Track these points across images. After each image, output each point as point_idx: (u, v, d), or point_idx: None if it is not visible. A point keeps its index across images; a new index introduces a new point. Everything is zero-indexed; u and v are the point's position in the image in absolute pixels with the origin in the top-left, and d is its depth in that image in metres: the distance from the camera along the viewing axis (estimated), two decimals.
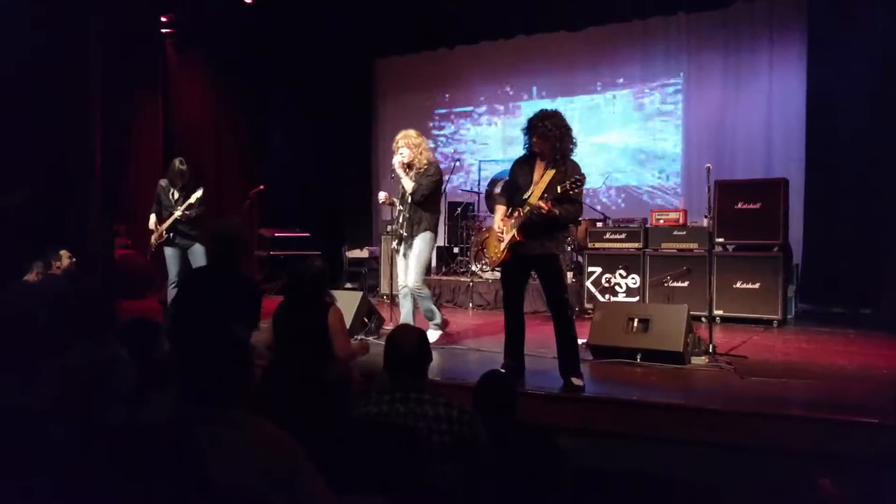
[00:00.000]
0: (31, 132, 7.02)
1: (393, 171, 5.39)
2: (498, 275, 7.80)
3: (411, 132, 5.39)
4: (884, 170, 6.90)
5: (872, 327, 6.31)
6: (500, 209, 4.34)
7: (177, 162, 6.28)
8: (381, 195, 5.68)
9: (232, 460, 1.60)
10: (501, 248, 4.29)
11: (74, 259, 5.81)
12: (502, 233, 4.26)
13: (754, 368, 4.61)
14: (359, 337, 5.64)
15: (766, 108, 8.36)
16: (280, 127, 10.54)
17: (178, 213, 6.07)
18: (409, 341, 2.56)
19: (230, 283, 3.61)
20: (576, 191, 4.07)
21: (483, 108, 10.42)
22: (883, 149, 6.90)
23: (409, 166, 5.28)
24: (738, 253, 6.71)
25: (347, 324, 5.35)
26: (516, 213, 4.19)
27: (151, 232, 6.27)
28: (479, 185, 9.40)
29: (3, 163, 6.75)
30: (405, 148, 5.28)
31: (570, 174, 4.09)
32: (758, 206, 6.60)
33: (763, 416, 3.61)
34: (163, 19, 8.78)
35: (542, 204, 4.02)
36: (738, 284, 6.55)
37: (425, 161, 5.28)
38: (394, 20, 9.56)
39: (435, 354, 5.05)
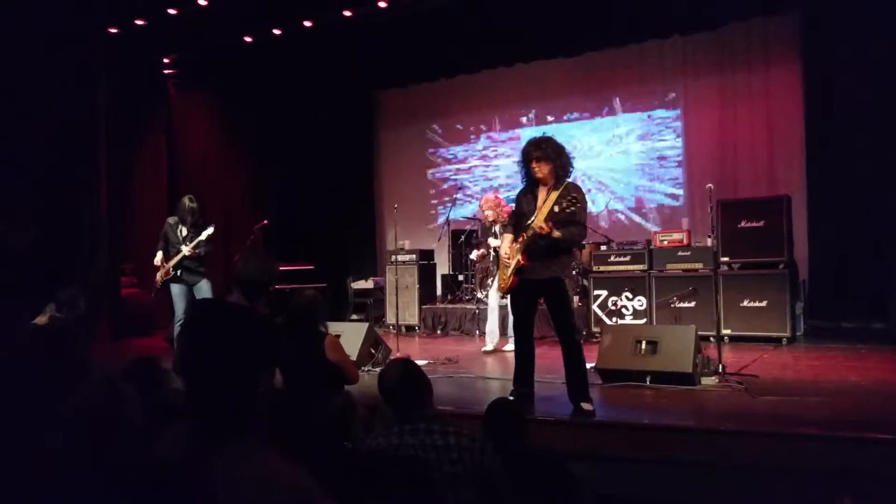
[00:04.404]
0: (37, 173, 7.09)
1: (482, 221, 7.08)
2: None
3: (490, 196, 6.94)
4: (887, 181, 6.90)
5: (884, 342, 6.24)
6: (508, 237, 4.38)
7: (186, 199, 6.30)
8: (477, 253, 7.56)
9: (244, 495, 1.58)
10: (508, 274, 4.31)
11: (83, 304, 5.74)
12: (509, 258, 4.28)
13: (766, 387, 4.56)
14: (366, 368, 5.63)
15: (766, 125, 8.42)
16: (283, 161, 10.63)
17: (186, 251, 6.08)
18: (391, 375, 2.55)
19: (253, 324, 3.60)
20: (574, 208, 4.07)
21: (484, 136, 10.51)
22: (885, 160, 6.91)
23: (493, 222, 6.67)
24: (743, 271, 6.70)
25: (354, 355, 5.38)
26: (521, 238, 4.22)
27: (156, 269, 6.28)
28: (483, 212, 9.41)
29: (11, 204, 6.81)
30: (489, 210, 6.71)
31: (565, 197, 4.11)
32: (761, 223, 6.60)
33: (777, 436, 3.56)
34: (165, 60, 8.92)
35: (543, 226, 4.04)
36: (746, 303, 6.52)
37: (505, 214, 6.33)
38: (392, 53, 9.69)
39: (443, 383, 5.10)
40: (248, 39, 8.56)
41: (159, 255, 6.27)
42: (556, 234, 4.07)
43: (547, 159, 4.18)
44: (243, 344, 1.61)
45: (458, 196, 9.65)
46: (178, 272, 6.14)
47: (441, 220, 10.13)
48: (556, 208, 4.07)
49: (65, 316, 5.40)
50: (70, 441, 1.84)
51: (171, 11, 7.69)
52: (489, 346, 6.75)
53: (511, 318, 6.00)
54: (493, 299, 6.82)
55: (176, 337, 5.96)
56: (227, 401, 1.61)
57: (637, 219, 9.25)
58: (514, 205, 4.61)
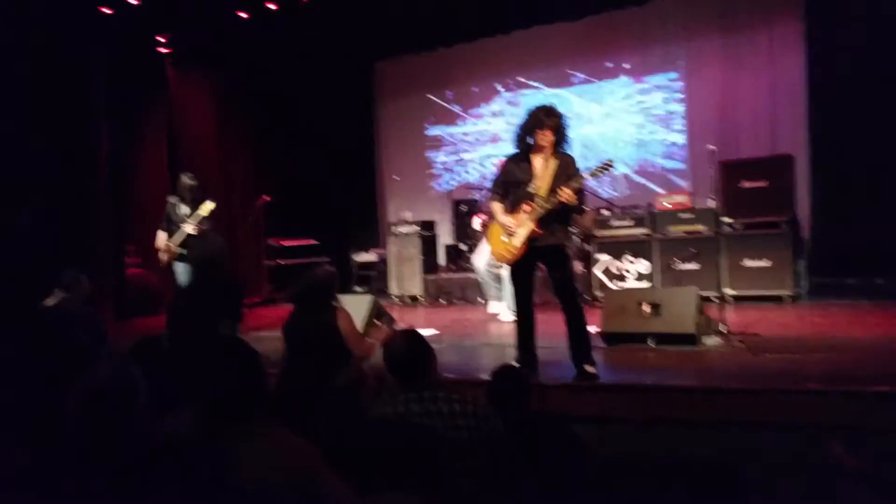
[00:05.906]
0: (36, 155, 7.07)
1: None
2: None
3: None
4: (890, 139, 6.84)
5: (888, 297, 6.26)
6: (499, 206, 4.35)
7: (185, 177, 6.30)
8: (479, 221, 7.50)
9: (252, 470, 1.62)
10: (517, 244, 4.23)
11: (86, 283, 5.77)
12: (515, 227, 4.23)
13: (768, 345, 4.60)
14: (371, 340, 5.68)
15: (769, 85, 8.33)
16: (283, 136, 10.58)
17: (189, 228, 6.07)
18: (395, 346, 2.58)
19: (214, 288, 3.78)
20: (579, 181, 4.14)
21: (484, 105, 10.42)
22: (888, 117, 6.84)
23: None
24: (746, 231, 6.69)
25: (359, 327, 5.42)
26: (527, 208, 4.17)
27: (159, 249, 6.28)
28: (484, 181, 9.40)
29: (10, 184, 6.80)
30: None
31: (569, 165, 4.18)
32: (764, 183, 6.58)
33: (778, 392, 3.60)
34: (161, 39, 8.83)
35: (571, 196, 4.02)
36: (748, 262, 6.53)
37: None
38: (390, 23, 9.55)
39: (447, 351, 5.15)
40: (243, 15, 8.46)
41: (162, 234, 6.27)
42: (579, 202, 4.13)
43: (556, 129, 4.18)
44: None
45: (459, 161, 9.61)
46: (184, 251, 6.15)
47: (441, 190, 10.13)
48: (563, 178, 4.09)
49: (72, 296, 5.45)
50: (83, 420, 1.88)
51: None
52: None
53: (508, 287, 6.02)
54: (498, 268, 6.71)
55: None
56: (229, 378, 1.65)
57: (639, 182, 9.21)
58: (501, 173, 4.51)
